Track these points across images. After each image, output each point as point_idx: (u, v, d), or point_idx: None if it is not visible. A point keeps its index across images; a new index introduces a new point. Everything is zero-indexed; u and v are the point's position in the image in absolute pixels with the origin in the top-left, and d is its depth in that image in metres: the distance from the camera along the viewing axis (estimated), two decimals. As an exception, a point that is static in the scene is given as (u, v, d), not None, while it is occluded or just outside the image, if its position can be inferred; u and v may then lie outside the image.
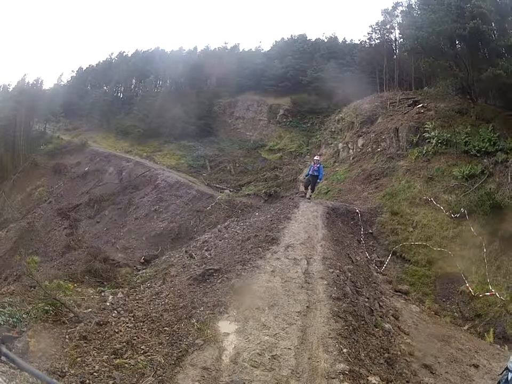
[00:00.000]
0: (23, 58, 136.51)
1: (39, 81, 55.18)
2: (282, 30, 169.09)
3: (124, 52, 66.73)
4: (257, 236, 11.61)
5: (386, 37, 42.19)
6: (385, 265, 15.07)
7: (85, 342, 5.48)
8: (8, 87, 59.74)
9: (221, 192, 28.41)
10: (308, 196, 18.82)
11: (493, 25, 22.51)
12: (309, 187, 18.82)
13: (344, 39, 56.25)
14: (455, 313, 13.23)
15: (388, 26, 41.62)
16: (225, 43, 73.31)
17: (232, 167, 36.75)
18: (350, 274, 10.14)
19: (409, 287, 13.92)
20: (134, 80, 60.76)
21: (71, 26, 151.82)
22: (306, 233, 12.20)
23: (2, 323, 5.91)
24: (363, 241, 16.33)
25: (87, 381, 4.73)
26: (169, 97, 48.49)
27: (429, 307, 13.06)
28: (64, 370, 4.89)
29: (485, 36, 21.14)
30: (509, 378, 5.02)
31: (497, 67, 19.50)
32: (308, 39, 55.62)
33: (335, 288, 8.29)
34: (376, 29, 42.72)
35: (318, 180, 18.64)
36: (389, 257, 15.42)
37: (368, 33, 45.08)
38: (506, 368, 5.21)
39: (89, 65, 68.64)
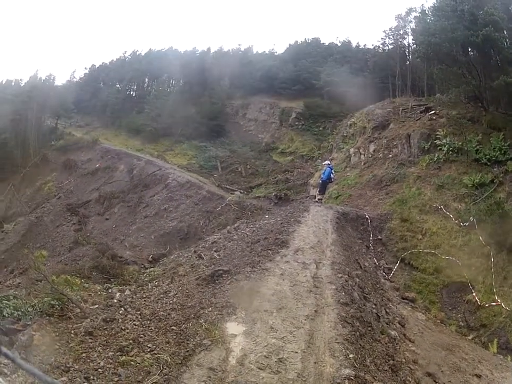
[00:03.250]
0: (36, 54, 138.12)
1: (51, 77, 56.50)
2: (295, 33, 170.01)
3: (137, 50, 67.90)
4: (267, 239, 11.54)
5: (399, 43, 42.10)
6: (393, 272, 15.02)
7: (90, 338, 5.45)
8: (20, 82, 60.70)
9: (231, 193, 28.38)
10: (317, 198, 18.80)
11: (505, 33, 22.49)
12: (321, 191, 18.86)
13: (357, 43, 56.70)
14: (461, 323, 13.26)
15: (401, 32, 41.58)
16: (239, 45, 74.29)
17: (243, 169, 36.68)
18: (358, 280, 10.00)
19: (416, 294, 13.84)
20: (147, 79, 61.61)
21: (85, 23, 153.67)
22: (316, 238, 12.11)
23: (7, 315, 5.85)
24: (372, 247, 16.28)
25: (92, 377, 4.67)
26: (182, 97, 48.77)
27: (435, 315, 13.03)
28: (68, 365, 4.85)
29: (497, 43, 21.19)
30: None
31: (509, 75, 19.48)
32: (321, 42, 55.93)
33: (343, 293, 8.20)
34: (390, 34, 42.75)
35: (324, 179, 18.15)
36: (397, 264, 15.40)
37: (381, 38, 45.37)
38: None
39: (102, 62, 70.16)
